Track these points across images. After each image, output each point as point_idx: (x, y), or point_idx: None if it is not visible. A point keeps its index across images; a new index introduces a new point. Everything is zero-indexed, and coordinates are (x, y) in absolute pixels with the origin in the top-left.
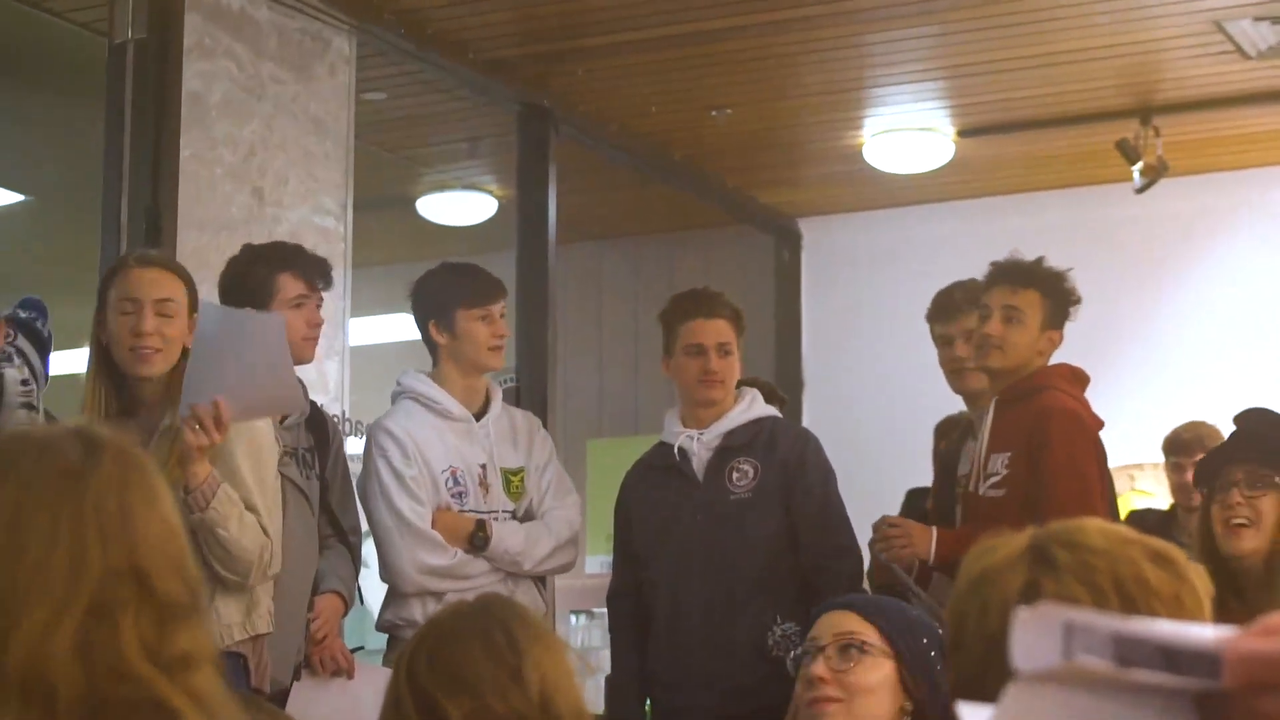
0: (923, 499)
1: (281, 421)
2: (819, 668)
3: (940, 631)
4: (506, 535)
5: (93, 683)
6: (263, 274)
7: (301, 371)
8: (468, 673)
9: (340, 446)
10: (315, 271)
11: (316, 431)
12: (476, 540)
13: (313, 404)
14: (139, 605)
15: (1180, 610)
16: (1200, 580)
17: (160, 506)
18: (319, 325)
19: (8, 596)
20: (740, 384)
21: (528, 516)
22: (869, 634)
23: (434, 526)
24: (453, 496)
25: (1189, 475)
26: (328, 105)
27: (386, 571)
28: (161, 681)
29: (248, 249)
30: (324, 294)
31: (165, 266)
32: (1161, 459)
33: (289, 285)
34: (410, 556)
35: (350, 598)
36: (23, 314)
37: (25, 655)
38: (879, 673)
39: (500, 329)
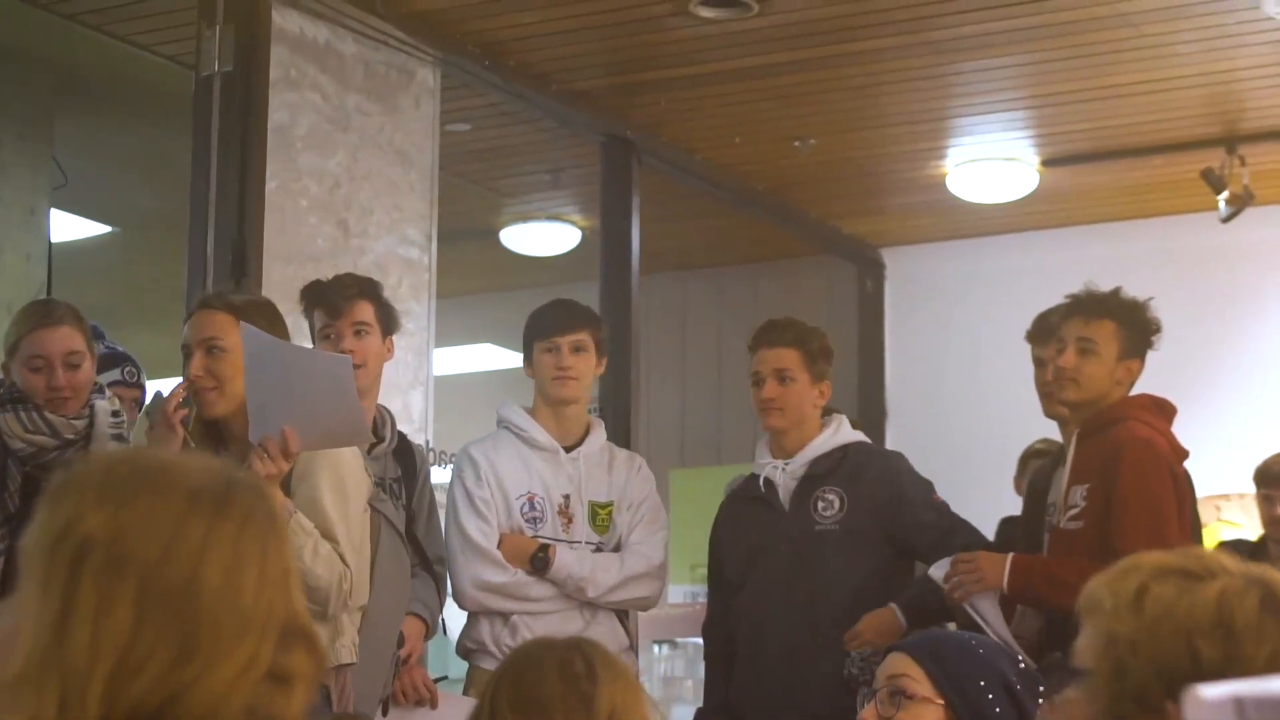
0: (1016, 527)
1: (369, 452)
2: (869, 712)
3: (1018, 667)
4: (570, 560)
5: None
6: (303, 312)
7: (385, 401)
8: (542, 694)
9: (427, 476)
10: (331, 298)
11: (404, 462)
12: (537, 561)
13: (401, 435)
14: (309, 671)
15: None
16: None
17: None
18: (353, 353)
19: (215, 637)
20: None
21: (616, 551)
22: (918, 679)
23: (499, 547)
24: (527, 521)
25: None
26: (412, 137)
27: (452, 589)
28: None
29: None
30: (363, 320)
31: (217, 306)
32: (1247, 489)
33: (316, 319)
34: (470, 573)
35: (433, 623)
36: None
37: (206, 704)
38: None
39: (564, 360)
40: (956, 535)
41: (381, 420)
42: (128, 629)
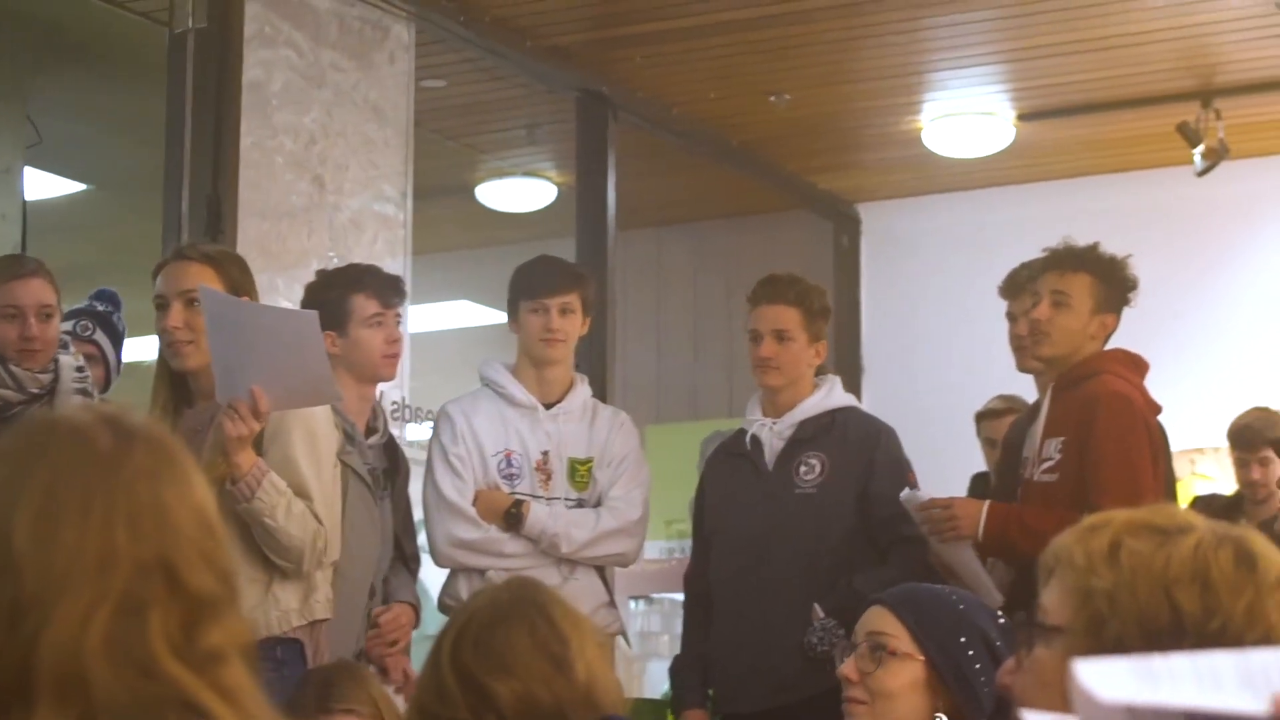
0: (987, 484)
1: (367, 438)
2: (848, 668)
3: (998, 623)
4: (543, 515)
5: (122, 681)
6: (335, 297)
7: None
8: (513, 658)
9: (407, 475)
10: (387, 289)
11: (391, 457)
12: (510, 517)
13: (390, 434)
14: (168, 602)
15: None
16: None
17: (193, 496)
18: (397, 341)
19: (40, 588)
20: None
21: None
22: (898, 634)
23: (474, 503)
24: (504, 478)
25: (1254, 472)
26: (388, 93)
27: (428, 546)
28: (189, 679)
29: (321, 275)
30: (399, 311)
31: (193, 257)
32: (1221, 444)
33: (362, 305)
34: (443, 530)
35: (420, 613)
36: (99, 306)
37: (58, 654)
38: (904, 676)
39: (552, 323)
40: (906, 522)
41: (374, 414)
42: None
